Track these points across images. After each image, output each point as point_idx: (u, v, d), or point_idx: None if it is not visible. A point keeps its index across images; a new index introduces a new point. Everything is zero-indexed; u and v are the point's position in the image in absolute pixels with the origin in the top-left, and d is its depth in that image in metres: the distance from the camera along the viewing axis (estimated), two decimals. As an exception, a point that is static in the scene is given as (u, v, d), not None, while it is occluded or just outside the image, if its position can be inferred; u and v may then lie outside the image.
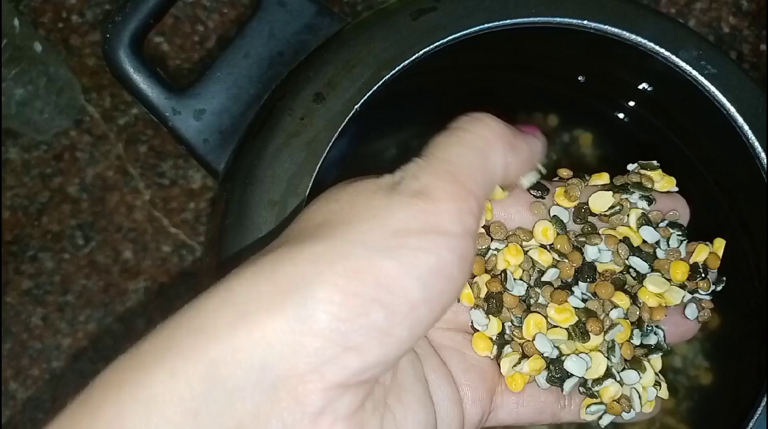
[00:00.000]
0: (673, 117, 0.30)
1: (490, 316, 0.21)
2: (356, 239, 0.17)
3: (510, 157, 0.19)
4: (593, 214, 0.21)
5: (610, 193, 0.21)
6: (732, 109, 0.24)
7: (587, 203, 0.21)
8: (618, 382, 0.20)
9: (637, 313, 0.20)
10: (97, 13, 0.41)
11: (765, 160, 0.24)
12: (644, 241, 0.21)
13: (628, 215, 0.21)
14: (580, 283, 0.21)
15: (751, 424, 0.22)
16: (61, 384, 0.36)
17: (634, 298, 0.21)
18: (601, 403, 0.20)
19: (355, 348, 0.16)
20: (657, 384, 0.21)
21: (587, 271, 0.20)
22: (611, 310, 0.20)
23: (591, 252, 0.20)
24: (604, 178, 0.22)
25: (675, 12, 0.40)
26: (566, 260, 0.20)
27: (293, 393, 0.16)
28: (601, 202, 0.21)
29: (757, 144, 0.24)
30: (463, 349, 0.21)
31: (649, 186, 0.21)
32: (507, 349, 0.20)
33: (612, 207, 0.21)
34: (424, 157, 0.19)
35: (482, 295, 0.21)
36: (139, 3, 0.24)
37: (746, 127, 0.24)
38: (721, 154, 0.28)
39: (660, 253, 0.21)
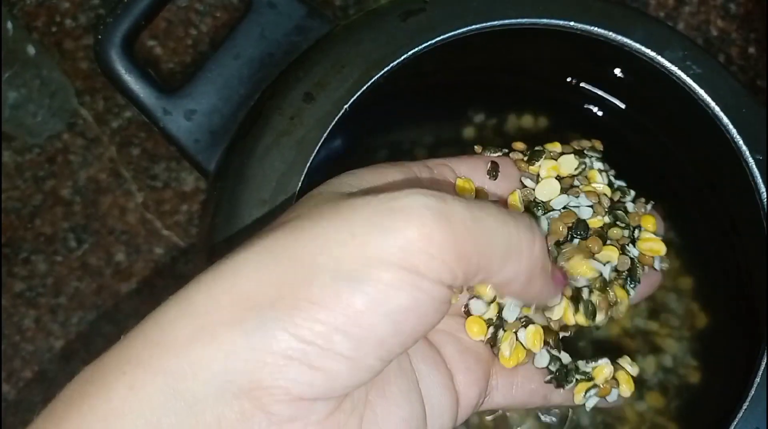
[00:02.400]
0: (662, 117, 0.30)
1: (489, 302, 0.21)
2: (325, 262, 0.16)
3: (520, 281, 0.18)
4: (561, 177, 0.22)
5: (572, 155, 0.22)
6: (717, 109, 0.25)
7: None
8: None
9: (627, 262, 0.22)
10: (90, 17, 0.41)
11: (750, 159, 0.25)
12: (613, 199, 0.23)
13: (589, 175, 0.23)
14: (575, 240, 0.21)
15: (735, 422, 0.22)
16: (53, 386, 0.36)
17: (622, 249, 0.22)
18: (595, 385, 0.21)
19: (323, 370, 0.16)
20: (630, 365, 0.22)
21: (581, 228, 0.21)
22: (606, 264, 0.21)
23: (584, 211, 0.22)
24: (557, 146, 0.23)
25: (664, 15, 0.41)
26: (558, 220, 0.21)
27: (258, 403, 0.16)
28: (568, 164, 0.22)
29: (741, 143, 0.25)
30: (457, 333, 0.21)
31: (600, 148, 0.23)
32: (501, 332, 0.21)
33: (577, 168, 0.22)
34: (450, 198, 0.17)
35: None
36: (130, 5, 0.24)
37: (731, 127, 0.25)
38: (709, 153, 0.28)
39: (630, 207, 0.23)
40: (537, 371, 0.22)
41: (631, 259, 0.22)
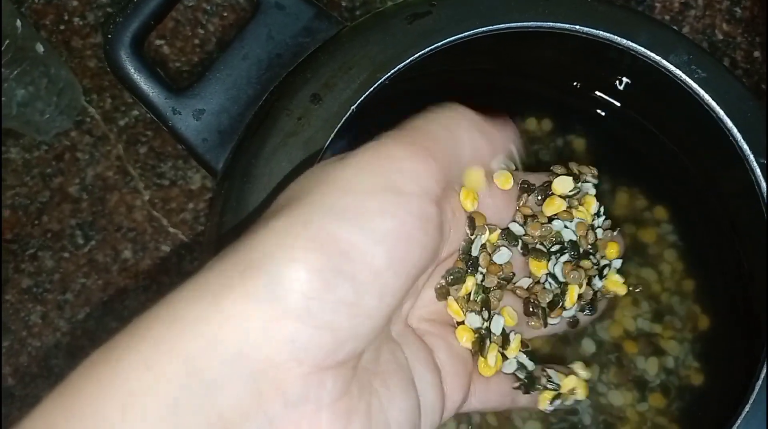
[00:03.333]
0: (665, 120, 0.31)
1: (482, 313, 0.21)
2: (316, 206, 0.17)
3: (479, 139, 0.20)
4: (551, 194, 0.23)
5: (571, 178, 0.23)
6: (721, 113, 0.25)
7: (550, 187, 0.23)
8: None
9: (590, 294, 0.24)
10: (98, 15, 0.41)
11: (754, 163, 0.25)
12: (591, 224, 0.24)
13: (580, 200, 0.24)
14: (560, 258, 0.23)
15: (736, 425, 0.22)
16: (60, 382, 0.36)
17: (588, 280, 0.24)
18: (560, 394, 0.22)
19: (327, 325, 0.16)
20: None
21: (573, 249, 0.23)
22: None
23: (567, 233, 0.23)
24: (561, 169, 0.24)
25: (669, 19, 0.41)
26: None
27: (273, 383, 0.16)
28: (563, 185, 0.23)
29: (746, 147, 0.25)
30: (449, 338, 0.21)
31: (596, 175, 0.24)
32: (487, 342, 0.21)
33: (571, 190, 0.23)
34: (390, 131, 0.19)
35: (475, 299, 0.21)
36: (140, 5, 0.24)
37: (735, 131, 0.25)
38: (712, 157, 0.29)
39: (599, 233, 0.24)
40: (507, 376, 0.23)
41: (594, 291, 0.24)
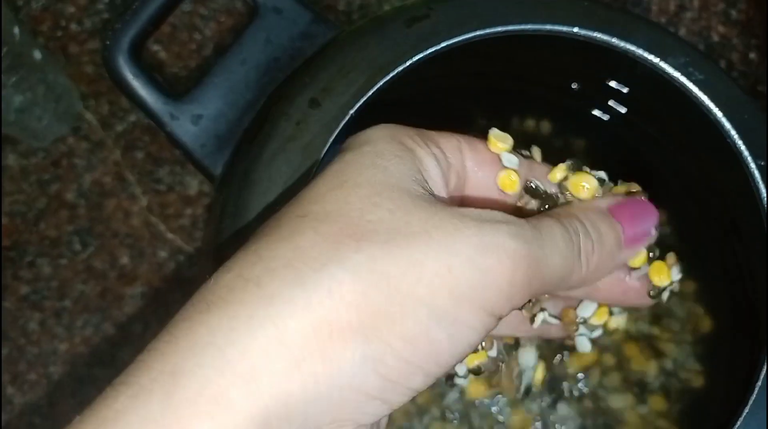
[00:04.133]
0: (664, 122, 0.31)
1: None
2: (422, 297, 0.16)
3: (588, 277, 0.20)
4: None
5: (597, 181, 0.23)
6: (719, 114, 0.25)
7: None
8: None
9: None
10: (95, 21, 0.41)
11: (752, 165, 0.25)
12: None
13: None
14: None
15: (738, 424, 0.22)
16: (58, 389, 0.36)
17: None
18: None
19: (390, 402, 0.16)
20: None
21: None
22: None
23: None
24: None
25: (665, 21, 0.41)
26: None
27: None
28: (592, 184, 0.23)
29: (743, 149, 0.25)
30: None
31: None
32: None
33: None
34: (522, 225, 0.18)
35: None
36: (138, 11, 0.24)
37: (733, 132, 0.25)
38: (711, 158, 0.29)
39: None
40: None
41: None
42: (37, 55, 0.37)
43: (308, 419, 0.16)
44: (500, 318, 0.17)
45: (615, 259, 0.21)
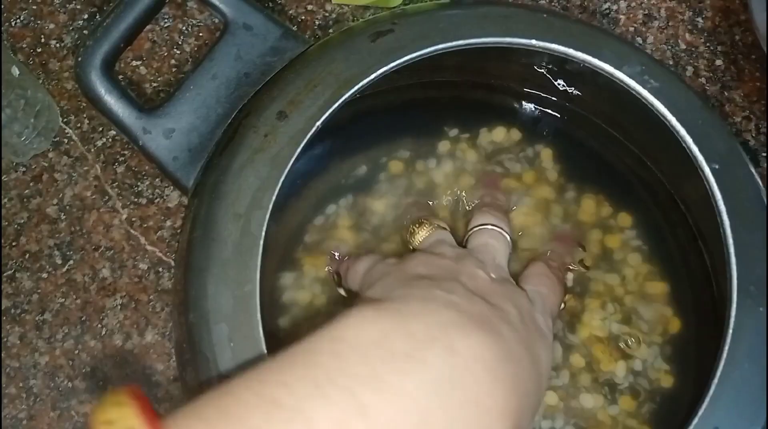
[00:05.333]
0: (628, 129, 0.31)
1: None
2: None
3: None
4: None
5: None
6: (674, 120, 0.26)
7: None
8: None
9: None
10: (75, 38, 0.42)
11: (707, 168, 0.26)
12: None
13: None
14: None
15: (694, 421, 0.23)
16: (38, 402, 0.36)
17: None
18: None
19: None
20: None
21: None
22: None
23: None
24: None
25: (633, 30, 0.42)
26: None
27: None
28: None
29: (698, 153, 0.26)
30: None
31: None
32: None
33: None
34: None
35: None
36: (109, 28, 0.25)
37: (688, 137, 0.26)
38: (671, 163, 0.29)
39: None
40: None
41: None
42: (15, 71, 0.37)
43: None
44: None
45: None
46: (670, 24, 0.42)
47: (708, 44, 0.42)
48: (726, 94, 0.41)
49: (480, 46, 0.26)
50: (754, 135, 0.40)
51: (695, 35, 0.42)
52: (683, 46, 0.42)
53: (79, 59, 0.25)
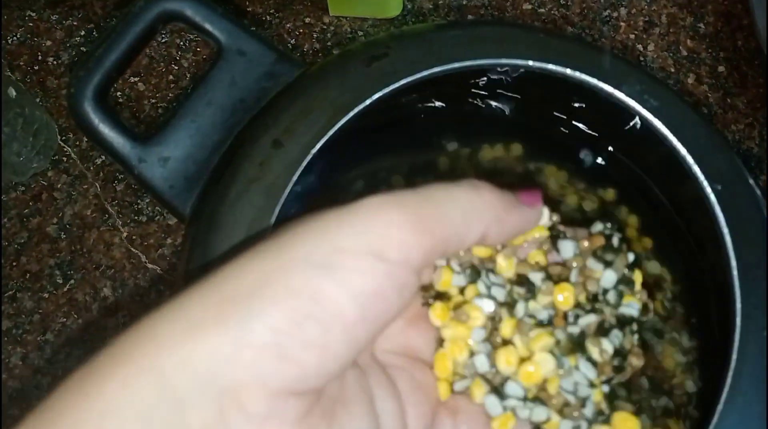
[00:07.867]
0: (627, 147, 0.31)
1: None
2: (300, 256, 0.18)
3: (493, 228, 0.20)
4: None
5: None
6: (674, 140, 0.25)
7: None
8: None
9: None
10: (72, 55, 0.42)
11: (708, 189, 0.25)
12: None
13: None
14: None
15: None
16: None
17: None
18: None
19: (294, 360, 0.17)
20: None
21: None
22: None
23: None
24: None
25: (634, 38, 0.41)
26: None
27: (237, 401, 0.17)
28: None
29: (699, 172, 0.25)
30: (412, 370, 0.22)
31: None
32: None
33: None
34: (403, 191, 0.19)
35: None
36: (101, 58, 0.25)
37: (689, 158, 0.25)
38: (674, 183, 0.29)
39: None
40: (483, 420, 0.22)
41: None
42: (12, 92, 0.37)
43: (210, 376, 0.17)
44: (414, 265, 0.18)
45: (513, 208, 0.21)
46: (671, 30, 0.42)
47: (710, 50, 0.41)
48: (729, 101, 0.40)
49: (475, 68, 0.25)
50: (757, 142, 0.39)
51: (697, 41, 0.42)
52: (685, 53, 0.41)
53: (72, 90, 0.25)
